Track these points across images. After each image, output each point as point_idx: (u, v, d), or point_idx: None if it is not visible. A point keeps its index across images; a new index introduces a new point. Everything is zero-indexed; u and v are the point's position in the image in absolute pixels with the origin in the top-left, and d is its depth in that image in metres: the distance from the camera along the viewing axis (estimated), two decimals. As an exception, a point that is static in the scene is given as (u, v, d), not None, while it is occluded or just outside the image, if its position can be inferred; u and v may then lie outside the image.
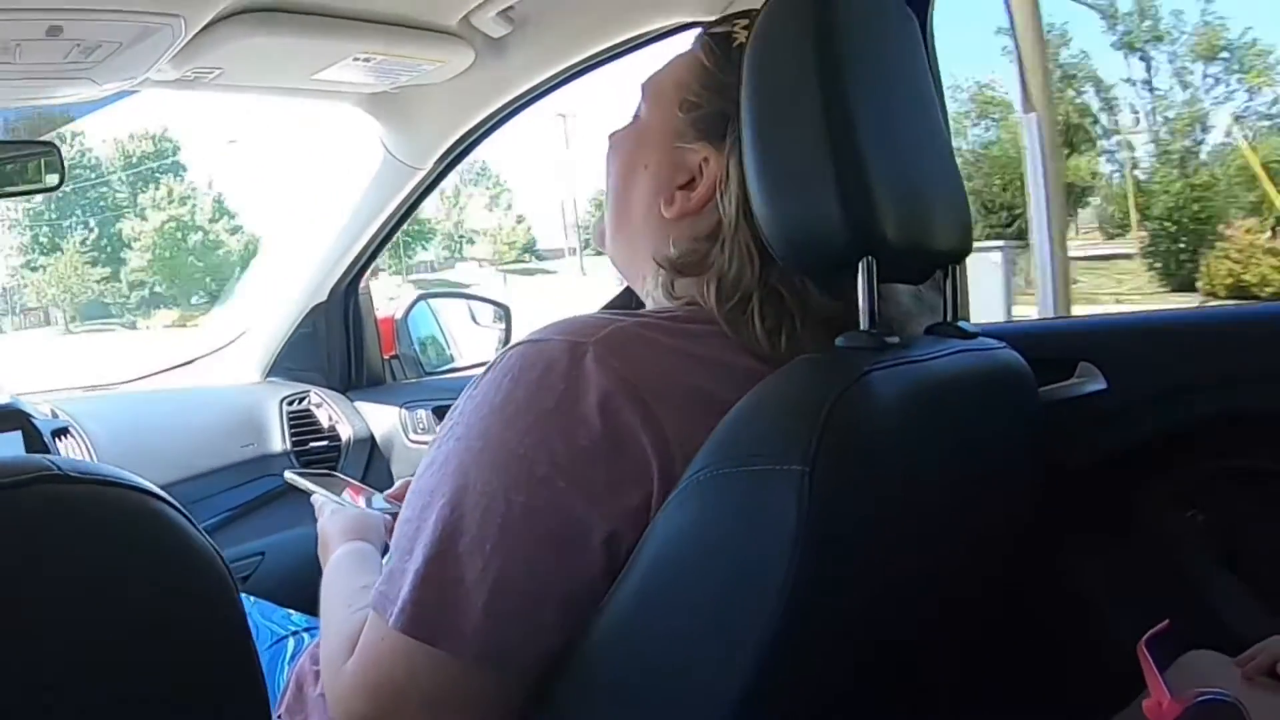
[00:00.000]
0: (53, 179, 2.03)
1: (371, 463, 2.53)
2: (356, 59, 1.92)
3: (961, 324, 1.20)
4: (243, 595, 1.70)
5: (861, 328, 1.00)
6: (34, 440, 2.03)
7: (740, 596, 0.89)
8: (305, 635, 1.54)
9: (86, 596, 0.59)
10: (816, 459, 0.86)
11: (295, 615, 1.62)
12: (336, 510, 1.41)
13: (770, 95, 1.02)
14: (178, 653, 0.63)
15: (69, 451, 2.08)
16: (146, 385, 2.73)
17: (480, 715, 0.99)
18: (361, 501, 1.49)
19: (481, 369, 1.03)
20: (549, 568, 0.95)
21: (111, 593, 0.60)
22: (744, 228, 1.05)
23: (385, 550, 1.34)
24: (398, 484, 1.55)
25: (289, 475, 1.59)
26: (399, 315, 2.76)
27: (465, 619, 0.94)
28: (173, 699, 0.62)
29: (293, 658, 1.48)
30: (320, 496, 1.47)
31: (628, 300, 1.25)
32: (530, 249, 42.10)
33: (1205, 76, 19.36)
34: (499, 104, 2.19)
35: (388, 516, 1.42)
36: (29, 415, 2.05)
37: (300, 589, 1.86)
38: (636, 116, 1.20)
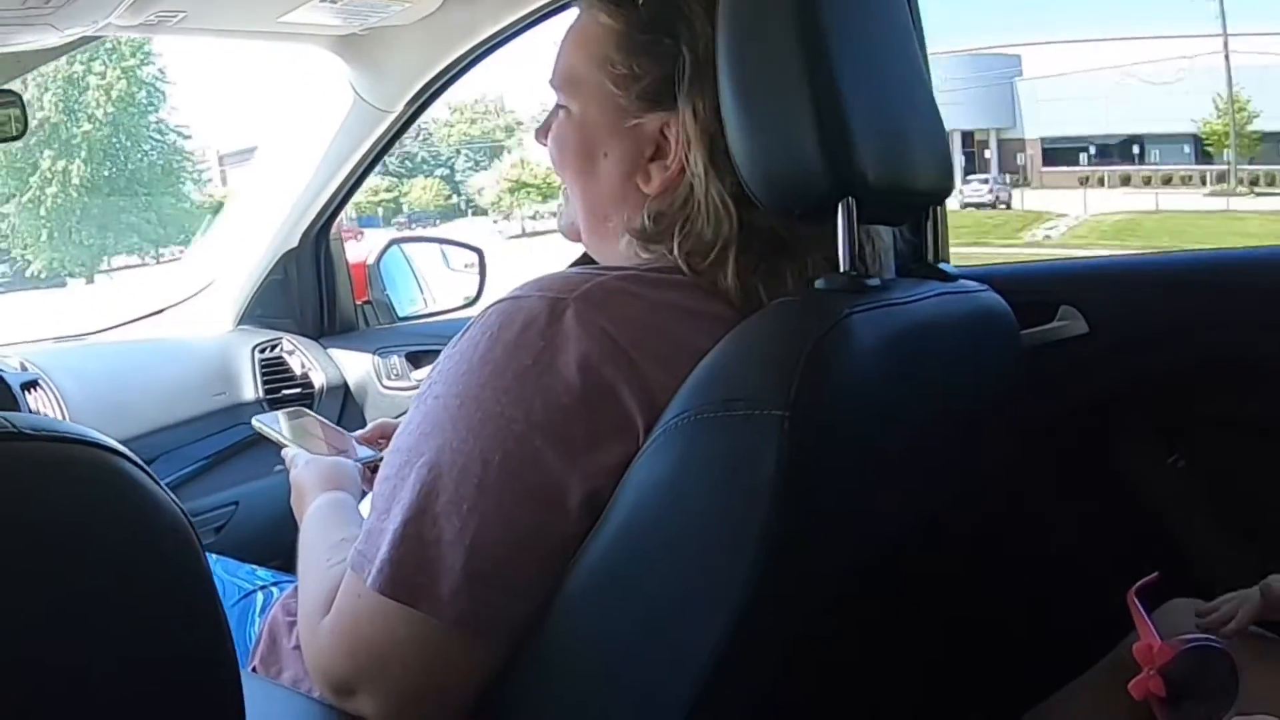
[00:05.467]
0: (18, 126, 1.99)
1: (345, 409, 2.51)
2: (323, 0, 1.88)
3: (943, 266, 1.18)
4: (207, 554, 1.69)
5: (841, 270, 0.98)
6: (2, 394, 2.01)
7: (718, 542, 0.88)
8: (274, 589, 1.52)
9: (45, 555, 0.58)
10: (795, 403, 0.85)
11: (261, 570, 1.60)
12: (311, 460, 1.39)
13: (747, 33, 0.99)
14: (140, 610, 0.61)
15: (39, 404, 2.05)
16: (117, 336, 2.70)
17: (461, 675, 0.98)
18: (330, 448, 1.47)
19: (459, 316, 1.02)
20: (527, 528, 0.95)
21: (71, 551, 0.58)
22: (714, 180, 1.02)
23: (361, 498, 1.33)
24: (370, 426, 1.53)
25: (257, 422, 1.57)
26: (371, 260, 2.72)
27: (443, 580, 0.94)
28: (135, 657, 0.61)
29: (263, 610, 1.46)
30: (291, 449, 1.45)
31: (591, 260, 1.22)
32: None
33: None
34: (469, 45, 2.14)
35: (360, 464, 1.40)
36: (-2, 369, 2.02)
37: (274, 538, 1.85)
38: (564, 110, 1.16)
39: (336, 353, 2.56)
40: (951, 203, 1.56)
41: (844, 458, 0.91)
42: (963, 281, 1.18)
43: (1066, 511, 1.59)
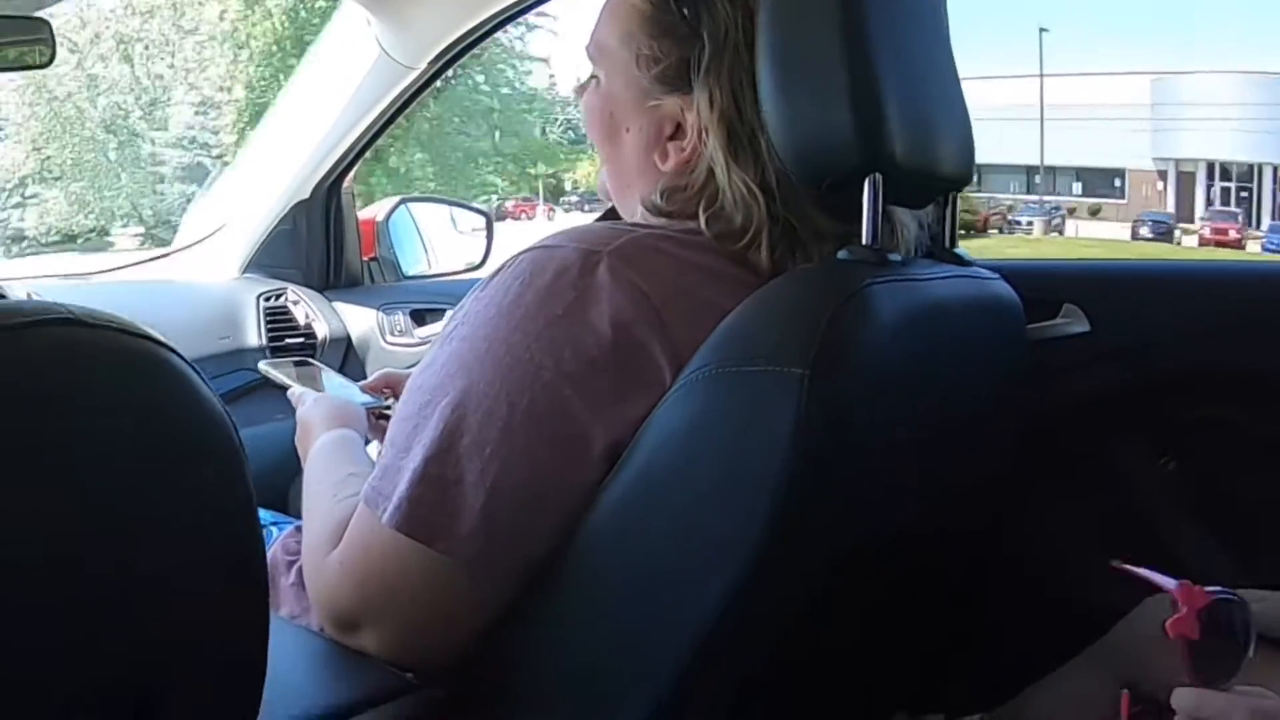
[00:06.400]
0: (43, 56, 1.98)
1: (347, 362, 2.52)
2: (355, -50, 1.88)
3: (958, 252, 1.20)
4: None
5: (864, 243, 1.01)
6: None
7: (732, 494, 0.90)
8: (273, 529, 1.54)
9: (94, 440, 0.59)
10: (816, 364, 0.87)
11: (260, 511, 1.62)
12: (319, 398, 1.40)
13: (789, 13, 1.01)
14: (184, 500, 0.63)
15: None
16: (124, 276, 2.70)
17: (467, 610, 1.00)
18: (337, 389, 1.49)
19: (464, 279, 1.02)
20: (548, 474, 0.96)
21: (119, 437, 0.60)
22: (734, 168, 1.04)
23: (367, 441, 1.34)
24: (375, 375, 1.55)
25: (263, 366, 1.58)
26: (380, 217, 2.73)
27: (461, 520, 0.95)
28: (178, 545, 0.63)
29: (261, 549, 1.47)
30: (298, 389, 1.47)
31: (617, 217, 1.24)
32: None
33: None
34: (500, 5, 2.13)
35: (364, 409, 1.41)
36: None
37: (273, 483, 1.86)
38: (595, 78, 1.18)
39: (341, 306, 2.57)
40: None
41: (861, 420, 0.93)
42: (976, 268, 1.21)
43: (1057, 506, 1.60)
